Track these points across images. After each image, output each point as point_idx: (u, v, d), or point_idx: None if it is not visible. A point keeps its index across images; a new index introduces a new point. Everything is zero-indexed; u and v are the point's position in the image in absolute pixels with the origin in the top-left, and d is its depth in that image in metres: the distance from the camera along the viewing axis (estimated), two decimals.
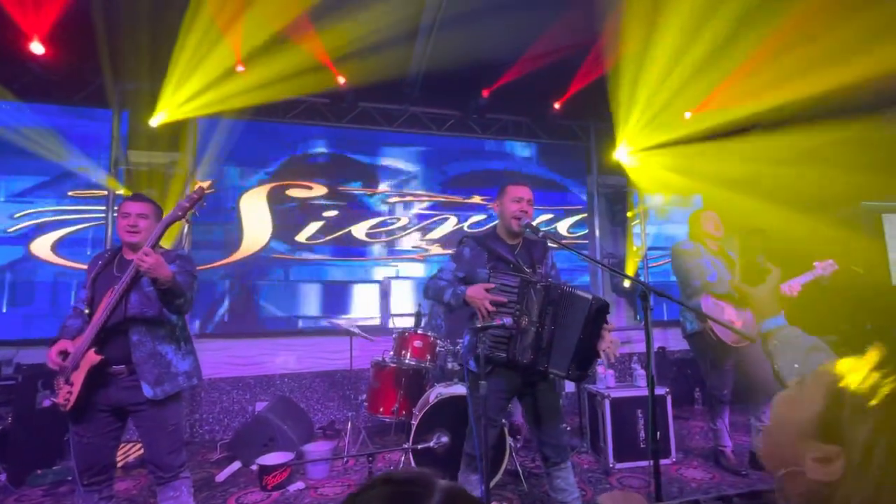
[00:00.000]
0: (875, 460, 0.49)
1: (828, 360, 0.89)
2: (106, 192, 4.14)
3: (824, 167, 4.61)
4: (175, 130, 4.21)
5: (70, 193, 4.17)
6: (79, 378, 1.82)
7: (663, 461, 3.12)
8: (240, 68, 3.86)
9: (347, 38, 3.70)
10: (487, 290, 1.97)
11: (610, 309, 2.03)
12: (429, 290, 2.19)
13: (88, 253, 4.11)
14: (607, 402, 3.20)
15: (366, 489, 0.46)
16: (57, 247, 4.09)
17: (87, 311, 1.97)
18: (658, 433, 3.18)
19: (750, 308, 1.09)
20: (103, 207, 4.16)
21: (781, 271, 1.08)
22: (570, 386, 4.40)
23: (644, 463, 3.14)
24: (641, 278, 5.26)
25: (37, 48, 3.46)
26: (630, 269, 5.30)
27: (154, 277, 1.79)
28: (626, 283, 5.30)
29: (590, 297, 1.94)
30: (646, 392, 3.30)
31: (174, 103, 3.97)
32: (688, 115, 4.79)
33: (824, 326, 4.36)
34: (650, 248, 5.52)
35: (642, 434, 3.21)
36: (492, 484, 2.46)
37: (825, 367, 0.60)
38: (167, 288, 1.84)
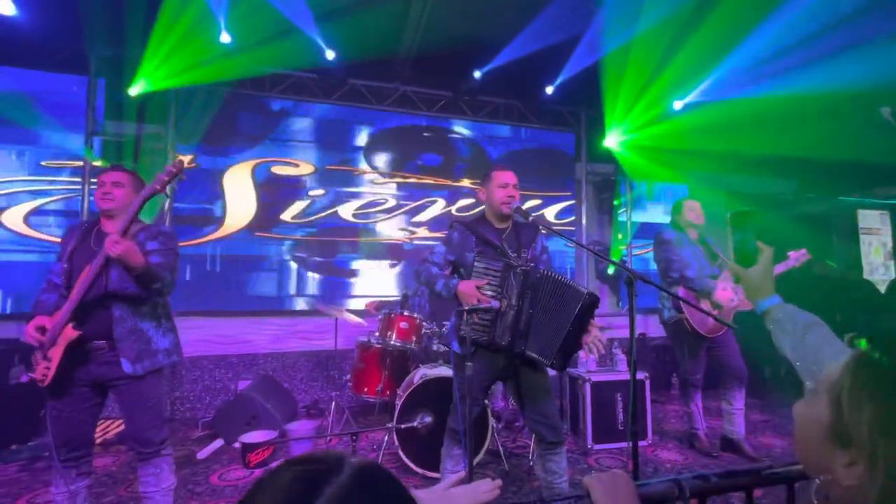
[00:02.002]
0: (879, 458, 0.51)
1: (825, 336, 0.90)
2: (81, 163, 3.99)
3: (803, 162, 4.71)
4: (156, 101, 4.05)
5: (43, 163, 4.01)
6: (56, 353, 1.78)
7: (640, 443, 3.22)
8: (225, 39, 3.71)
9: (338, 8, 3.59)
10: (478, 287, 1.98)
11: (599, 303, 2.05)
12: (420, 274, 2.19)
13: (63, 225, 3.98)
14: (588, 386, 3.28)
15: (277, 470, 0.45)
16: (29, 219, 3.94)
17: (63, 284, 1.91)
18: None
19: (744, 288, 1.10)
20: (78, 179, 4.00)
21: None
22: (551, 370, 4.48)
23: (621, 444, 3.24)
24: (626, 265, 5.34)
25: (7, 8, 3.26)
26: (615, 257, 5.38)
27: (125, 264, 1.76)
28: (611, 270, 5.38)
29: (584, 291, 1.95)
30: (626, 376, 3.39)
31: (155, 73, 3.81)
32: (677, 105, 4.82)
33: None
34: (635, 237, 5.60)
35: (621, 416, 3.30)
36: (474, 462, 2.51)
37: (827, 374, 0.61)
38: (140, 274, 1.81)
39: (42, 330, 1.80)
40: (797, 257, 3.11)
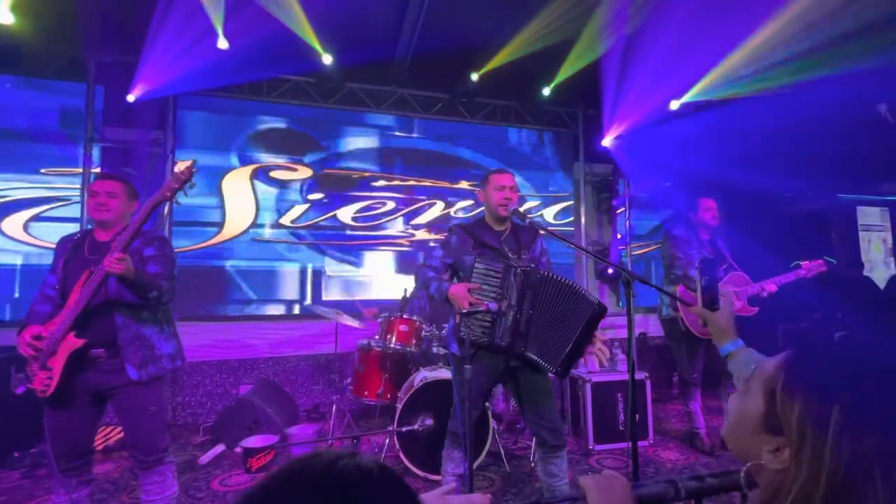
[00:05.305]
0: (805, 450, 0.56)
1: None
2: (81, 170, 4.00)
3: (802, 159, 4.71)
4: (154, 107, 4.07)
5: (43, 171, 4.02)
6: (58, 363, 1.77)
7: (641, 443, 3.23)
8: (222, 44, 3.72)
9: (334, 14, 3.60)
10: (470, 290, 1.97)
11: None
12: (418, 277, 2.21)
13: (62, 233, 3.98)
14: (588, 386, 3.28)
15: (310, 456, 0.48)
16: (28, 226, 3.95)
17: (57, 296, 1.91)
18: (637, 416, 3.28)
19: (711, 331, 1.18)
20: (78, 186, 4.02)
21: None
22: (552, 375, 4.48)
23: (622, 445, 3.24)
24: (625, 265, 5.34)
25: (4, 17, 3.28)
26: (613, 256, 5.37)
27: (122, 279, 1.77)
28: (610, 271, 5.37)
29: (595, 301, 1.93)
30: (626, 376, 3.39)
31: (153, 79, 3.82)
32: (674, 104, 4.82)
33: (798, 314, 4.52)
34: (634, 237, 5.59)
35: (622, 417, 3.30)
36: (475, 465, 2.51)
37: (762, 367, 0.68)
38: (135, 285, 1.81)
39: (38, 339, 1.79)
40: (809, 269, 2.97)
